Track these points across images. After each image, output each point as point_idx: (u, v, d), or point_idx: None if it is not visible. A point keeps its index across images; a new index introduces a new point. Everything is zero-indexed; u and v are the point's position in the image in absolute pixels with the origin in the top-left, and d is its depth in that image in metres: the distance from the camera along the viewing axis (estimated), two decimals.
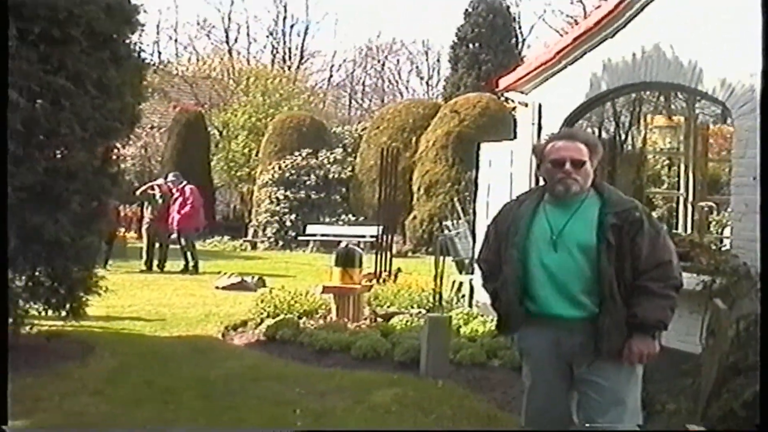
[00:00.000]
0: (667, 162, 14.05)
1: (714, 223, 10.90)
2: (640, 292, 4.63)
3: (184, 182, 19.80)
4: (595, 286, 4.64)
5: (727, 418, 6.27)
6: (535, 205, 4.89)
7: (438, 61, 48.15)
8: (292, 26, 48.64)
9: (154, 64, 33.09)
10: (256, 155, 30.38)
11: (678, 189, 11.81)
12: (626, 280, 4.63)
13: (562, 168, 4.74)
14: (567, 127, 10.51)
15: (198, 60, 44.18)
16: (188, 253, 19.03)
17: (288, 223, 26.15)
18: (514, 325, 4.95)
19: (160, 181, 20.38)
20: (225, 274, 16.52)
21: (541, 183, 5.06)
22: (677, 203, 11.83)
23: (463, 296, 12.05)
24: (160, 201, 19.24)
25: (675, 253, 4.81)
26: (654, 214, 12.71)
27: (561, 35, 22.24)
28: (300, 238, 24.57)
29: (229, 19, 48.11)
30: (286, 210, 26.45)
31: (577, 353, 4.70)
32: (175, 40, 47.33)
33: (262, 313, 11.14)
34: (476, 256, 5.82)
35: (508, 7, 37.35)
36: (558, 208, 4.80)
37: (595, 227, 4.68)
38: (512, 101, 12.73)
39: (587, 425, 4.76)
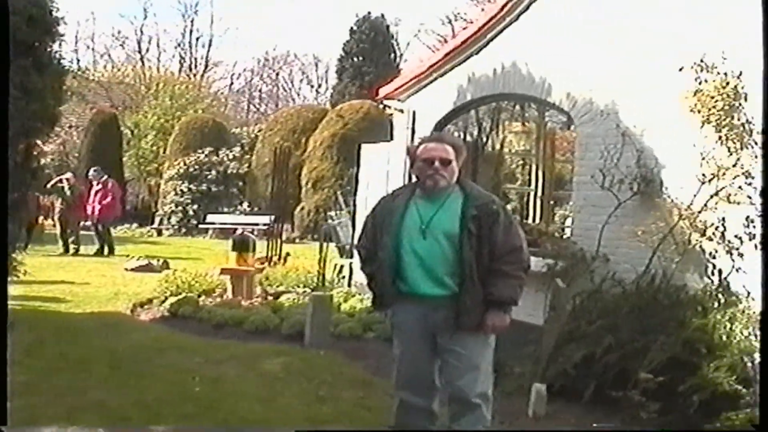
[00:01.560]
0: (521, 162, 14.25)
1: (559, 214, 11.15)
2: (496, 274, 4.75)
3: (105, 176, 19.52)
4: (458, 269, 4.74)
5: (561, 377, 6.50)
6: (408, 198, 4.95)
7: (326, 71, 47.94)
8: (197, 39, 47.77)
9: (72, 71, 32.04)
10: (164, 152, 30.00)
11: (529, 185, 12.05)
12: (484, 263, 4.73)
13: (431, 166, 4.82)
14: (436, 131, 10.65)
15: (113, 67, 43.09)
16: (105, 239, 18.72)
17: (191, 213, 25.89)
18: (387, 302, 5.02)
19: (69, 175, 20.01)
20: (133, 257, 16.26)
21: (414, 180, 5.12)
22: (528, 197, 12.08)
23: (344, 277, 12.09)
24: (69, 193, 18.86)
25: (525, 240, 4.95)
26: (509, 206, 13.02)
27: (433, 51, 22.48)
28: (201, 226, 24.27)
29: (141, 31, 47.15)
30: (189, 201, 26.19)
31: (441, 326, 4.80)
32: (93, 49, 45.70)
33: (166, 292, 11.02)
34: (356, 243, 5.88)
35: (388, 26, 37.51)
36: (427, 202, 4.88)
37: (459, 218, 4.78)
38: (390, 108, 12.78)
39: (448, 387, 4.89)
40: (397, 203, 4.98)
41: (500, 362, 6.63)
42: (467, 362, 4.80)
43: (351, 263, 11.67)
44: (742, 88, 6.94)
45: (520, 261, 4.84)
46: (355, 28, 36.50)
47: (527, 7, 9.85)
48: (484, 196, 4.97)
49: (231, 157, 27.16)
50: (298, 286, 11.42)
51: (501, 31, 10.32)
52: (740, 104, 6.95)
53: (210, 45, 47.96)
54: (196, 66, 46.92)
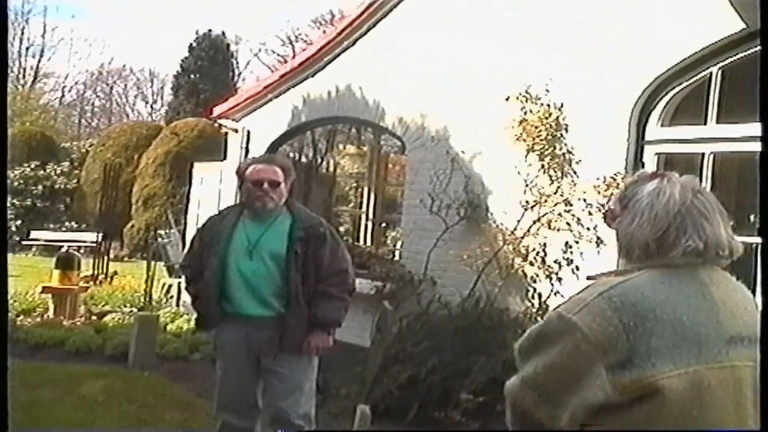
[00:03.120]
0: (354, 184, 14.43)
1: (390, 237, 11.33)
2: (321, 296, 4.79)
3: None
4: (283, 290, 4.75)
5: (385, 398, 6.58)
6: (236, 219, 4.95)
7: (162, 87, 46.95)
8: (27, 48, 45.77)
9: None
10: None
11: (361, 208, 12.19)
12: (310, 285, 4.76)
13: (260, 188, 4.82)
14: (270, 152, 10.67)
15: None
16: None
17: (13, 228, 24.86)
18: (211, 322, 4.99)
19: None
20: None
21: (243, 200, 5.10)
22: (360, 220, 12.22)
23: (172, 297, 11.91)
24: None
25: (351, 263, 5.02)
26: (341, 228, 13.10)
27: (272, 71, 22.44)
28: (24, 242, 23.36)
29: None
30: (12, 216, 25.13)
31: (265, 347, 4.79)
32: None
33: None
34: (181, 262, 5.81)
35: (228, 45, 37.20)
36: (255, 222, 4.88)
37: (286, 239, 4.79)
38: (224, 127, 12.70)
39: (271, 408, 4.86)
40: (224, 223, 4.97)
41: (327, 383, 6.67)
42: (290, 383, 4.81)
43: (179, 282, 11.48)
44: (564, 119, 7.26)
45: (345, 283, 4.90)
46: (194, 44, 35.94)
47: (365, 33, 10.01)
48: (312, 218, 5.02)
49: (59, 172, 26.30)
50: (125, 306, 11.18)
51: (338, 55, 10.44)
52: (562, 135, 7.26)
53: (41, 55, 46.12)
54: (24, 76, 45.05)
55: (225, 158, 12.47)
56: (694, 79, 6.77)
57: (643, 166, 7.00)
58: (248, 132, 11.82)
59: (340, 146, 13.78)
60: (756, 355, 2.13)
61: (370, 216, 11.54)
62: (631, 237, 2.23)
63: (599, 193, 6.91)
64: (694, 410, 2.03)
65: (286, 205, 4.95)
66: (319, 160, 13.36)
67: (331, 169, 13.88)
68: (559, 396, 2.10)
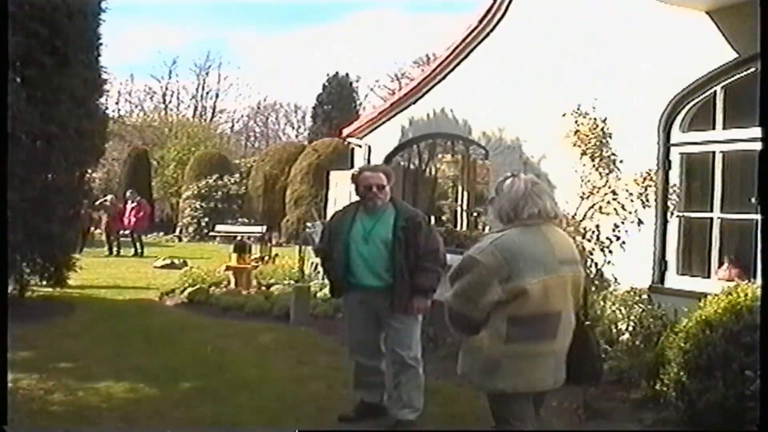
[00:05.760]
0: (451, 184, 14.43)
1: (480, 223, 11.31)
2: (419, 269, 4.90)
3: (138, 196, 20.22)
4: (391, 266, 4.88)
5: None
6: (354, 214, 5.08)
7: (303, 117, 47.39)
8: (207, 92, 47.18)
9: (113, 117, 31.87)
10: (182, 179, 29.63)
11: (457, 202, 12.21)
12: (411, 261, 4.88)
13: (371, 191, 4.95)
14: (386, 162, 10.86)
15: (144, 114, 42.45)
16: (137, 244, 18.94)
17: (203, 224, 25.67)
18: (341, 291, 5.17)
19: (110, 196, 20.78)
20: (160, 258, 16.14)
21: (357, 200, 5.19)
22: (456, 211, 12.24)
23: (319, 273, 12.07)
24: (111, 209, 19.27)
25: (442, 243, 5.10)
26: (443, 218, 13.10)
27: (384, 101, 22.59)
28: (210, 234, 24.10)
29: (166, 87, 46.32)
30: (202, 215, 25.96)
31: (381, 308, 4.94)
32: (129, 101, 44.51)
33: (185, 284, 10.98)
34: (316, 246, 6.00)
35: (351, 83, 37.57)
36: (368, 216, 5.01)
37: (392, 228, 4.92)
38: (352, 144, 12.93)
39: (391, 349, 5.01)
40: (345, 217, 5.11)
41: (436, 335, 6.77)
42: (403, 334, 4.94)
43: None
44: (608, 129, 7.16)
45: (438, 259, 4.98)
46: (326, 84, 36.47)
47: (452, 69, 10.07)
48: (411, 211, 5.13)
49: (232, 182, 26.94)
50: (285, 279, 11.35)
51: (433, 87, 10.52)
52: (607, 141, 7.16)
53: (217, 97, 47.43)
54: (205, 113, 46.41)
55: (352, 167, 12.68)
56: (705, 95, 6.66)
57: (669, 164, 6.90)
58: (369, 147, 12.00)
59: (439, 155, 13.82)
60: (574, 269, 3.24)
61: (464, 208, 11.57)
62: (499, 211, 3.23)
63: (638, 185, 6.82)
64: (543, 300, 3.07)
65: (391, 202, 5.06)
66: (424, 167, 13.43)
67: (433, 173, 13.95)
68: (476, 297, 3.07)
